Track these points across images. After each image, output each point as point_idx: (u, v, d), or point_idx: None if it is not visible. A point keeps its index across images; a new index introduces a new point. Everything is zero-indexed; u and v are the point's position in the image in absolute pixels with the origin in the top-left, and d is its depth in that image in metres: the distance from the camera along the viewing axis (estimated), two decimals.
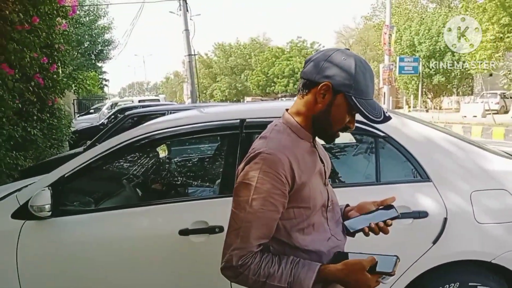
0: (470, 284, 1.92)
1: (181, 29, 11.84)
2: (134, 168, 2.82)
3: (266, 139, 1.14)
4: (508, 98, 20.90)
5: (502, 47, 17.89)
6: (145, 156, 2.96)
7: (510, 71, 19.48)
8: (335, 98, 1.09)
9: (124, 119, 6.30)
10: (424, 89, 26.25)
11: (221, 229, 1.87)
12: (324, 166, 1.23)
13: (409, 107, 24.89)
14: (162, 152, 3.36)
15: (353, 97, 1.07)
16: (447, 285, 1.92)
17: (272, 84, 41.70)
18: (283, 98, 31.63)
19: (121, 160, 2.63)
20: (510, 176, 1.99)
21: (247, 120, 2.07)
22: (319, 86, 1.09)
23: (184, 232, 1.89)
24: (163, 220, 1.99)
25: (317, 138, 1.23)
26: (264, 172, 1.05)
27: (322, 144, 1.31)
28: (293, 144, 1.13)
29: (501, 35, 17.33)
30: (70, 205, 2.19)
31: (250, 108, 2.57)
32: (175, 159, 3.37)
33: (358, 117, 1.12)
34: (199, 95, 13.36)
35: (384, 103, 17.47)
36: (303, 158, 1.13)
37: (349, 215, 1.30)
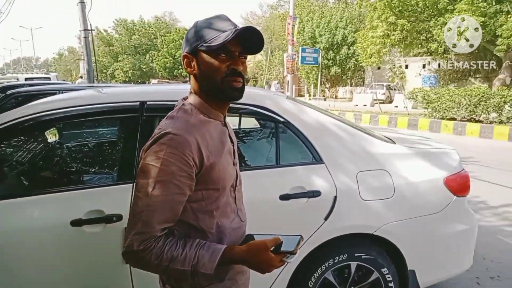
0: (356, 254, 2.15)
1: (76, 1, 10.72)
2: (18, 154, 2.50)
3: (173, 119, 1.09)
4: (392, 89, 23.64)
5: (389, 43, 20.03)
6: (31, 140, 2.64)
7: (394, 65, 21.99)
8: (198, 58, 1.11)
9: (6, 98, 5.53)
10: (323, 79, 28.19)
11: (119, 217, 1.77)
12: (233, 145, 1.23)
13: (310, 95, 26.51)
14: (52, 136, 3.04)
15: (204, 44, 1.09)
16: (337, 257, 2.12)
17: (180, 66, 40.57)
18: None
19: (1, 145, 2.31)
20: (389, 158, 2.25)
21: (148, 102, 1.98)
22: (183, 63, 1.15)
23: (76, 223, 1.75)
24: (53, 211, 1.81)
25: (227, 119, 1.22)
26: (170, 153, 1.01)
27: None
28: (201, 124, 1.10)
29: (388, 32, 19.36)
30: None
31: (151, 90, 2.45)
32: (68, 144, 3.08)
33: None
34: (98, 75, 12.34)
35: (287, 91, 18.30)
36: (211, 139, 1.11)
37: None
